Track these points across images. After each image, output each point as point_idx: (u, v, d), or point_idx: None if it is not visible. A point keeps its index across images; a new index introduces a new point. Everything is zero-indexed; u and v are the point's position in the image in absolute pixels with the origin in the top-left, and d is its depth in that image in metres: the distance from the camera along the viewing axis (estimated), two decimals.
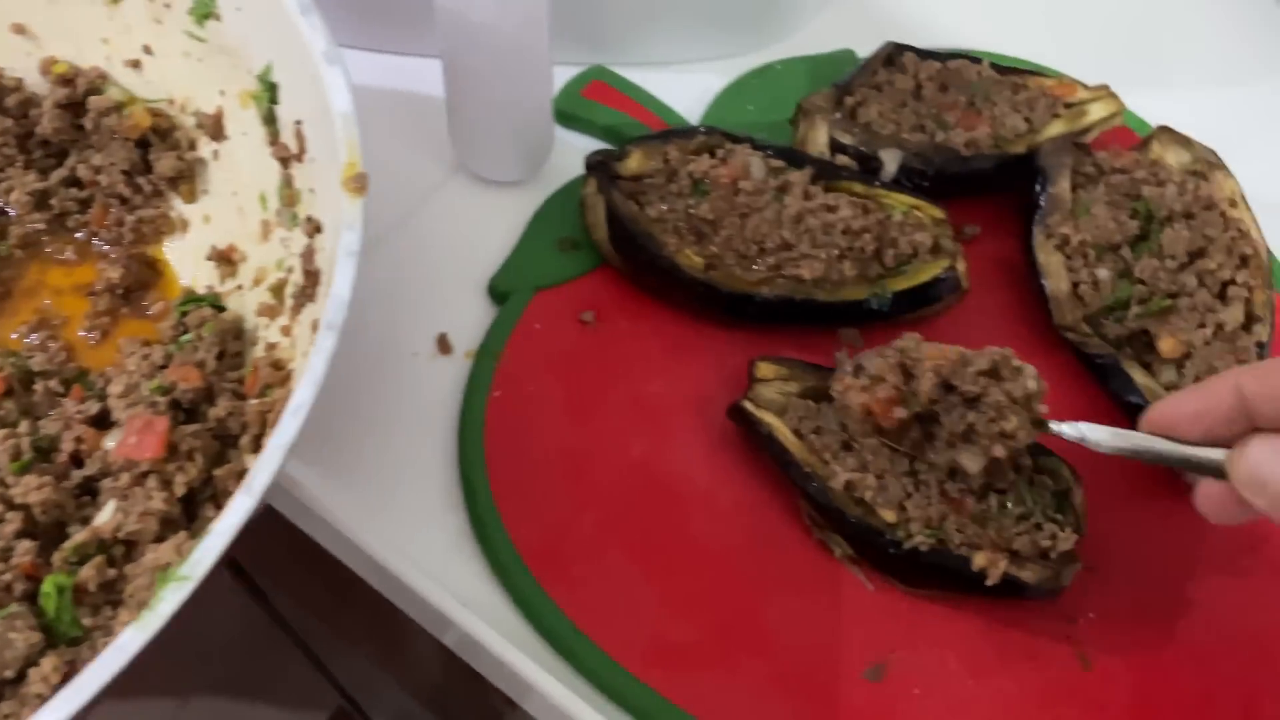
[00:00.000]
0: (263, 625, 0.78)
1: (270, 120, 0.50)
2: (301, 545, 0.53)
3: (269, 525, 0.52)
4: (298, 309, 0.47)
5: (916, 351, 0.46)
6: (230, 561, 0.71)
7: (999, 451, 0.45)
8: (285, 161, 0.49)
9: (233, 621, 0.78)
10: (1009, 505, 0.48)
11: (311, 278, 0.47)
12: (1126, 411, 0.53)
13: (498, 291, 0.57)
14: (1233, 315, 0.53)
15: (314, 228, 0.47)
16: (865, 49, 0.63)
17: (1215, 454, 0.41)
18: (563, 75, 0.64)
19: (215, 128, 0.53)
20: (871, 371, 0.47)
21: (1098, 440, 0.44)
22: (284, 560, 0.65)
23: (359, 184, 0.41)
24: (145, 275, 0.55)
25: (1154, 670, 0.48)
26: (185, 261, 0.55)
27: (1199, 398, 0.41)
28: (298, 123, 0.48)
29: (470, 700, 0.66)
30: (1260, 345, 0.53)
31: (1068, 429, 0.45)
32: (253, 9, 0.49)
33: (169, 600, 0.33)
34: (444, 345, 0.56)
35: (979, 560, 0.46)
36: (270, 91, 0.49)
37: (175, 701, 0.78)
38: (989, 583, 0.46)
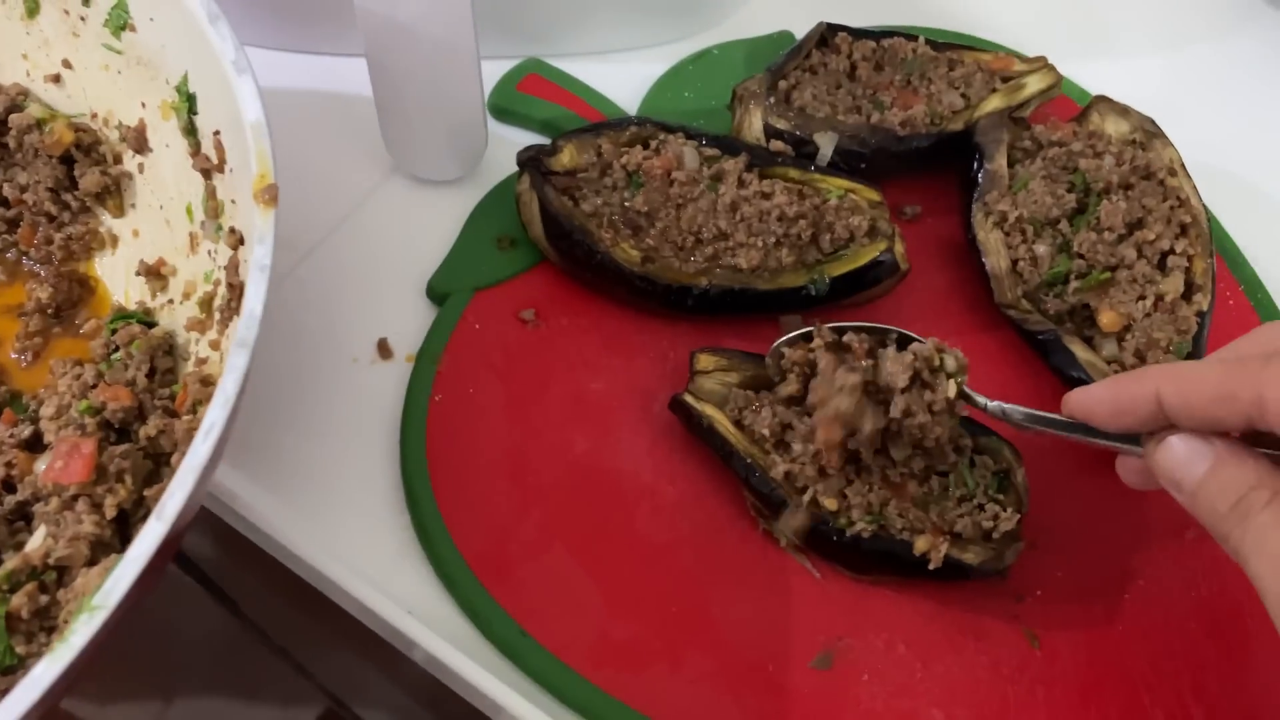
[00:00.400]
0: (238, 634, 0.78)
1: (191, 131, 0.49)
2: (262, 554, 0.52)
3: (230, 535, 0.52)
4: (225, 323, 0.47)
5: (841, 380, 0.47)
6: (198, 574, 0.70)
7: (927, 443, 0.46)
8: (207, 173, 0.48)
9: (209, 631, 0.78)
10: (950, 488, 0.48)
11: (236, 291, 0.46)
12: (1069, 386, 0.53)
13: (436, 293, 0.56)
14: (1173, 285, 0.52)
15: (237, 240, 0.46)
16: (804, 29, 0.63)
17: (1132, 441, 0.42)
18: (497, 69, 0.64)
19: (138, 140, 0.53)
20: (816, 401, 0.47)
21: (1017, 419, 0.45)
22: (250, 569, 0.65)
23: (270, 195, 0.40)
24: (77, 293, 0.55)
25: (1102, 645, 0.48)
26: (117, 277, 0.55)
27: (1117, 396, 0.40)
28: (216, 133, 0.47)
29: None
30: (1200, 315, 0.53)
31: (993, 406, 0.45)
32: (165, 19, 0.48)
33: (81, 632, 0.32)
34: (385, 350, 0.55)
35: (920, 544, 0.46)
36: (189, 102, 0.49)
37: (159, 704, 0.78)
38: (931, 566, 0.46)
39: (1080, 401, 0.42)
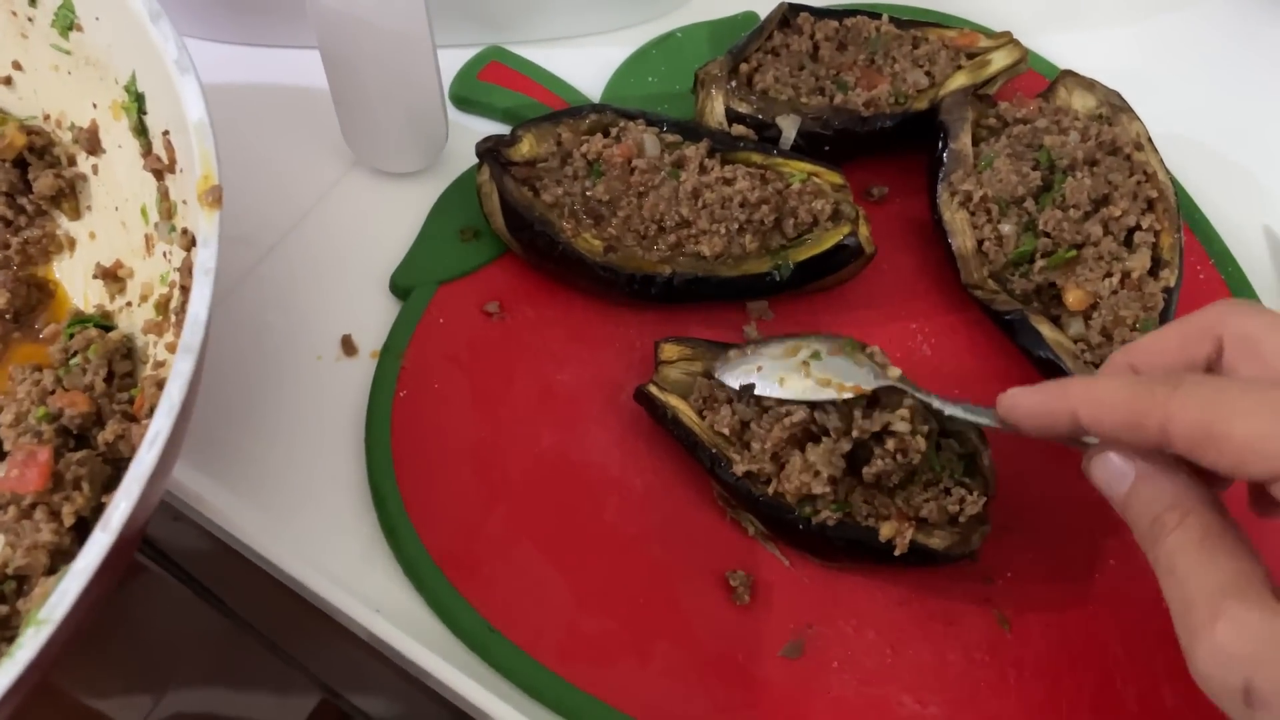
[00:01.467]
0: (228, 629, 0.78)
1: (141, 131, 0.48)
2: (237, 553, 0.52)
3: (211, 534, 0.52)
4: (181, 325, 0.46)
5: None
6: (182, 572, 0.70)
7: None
8: (159, 173, 0.48)
9: (198, 628, 0.78)
10: (917, 473, 0.48)
11: (189, 293, 0.45)
12: (1038, 367, 0.53)
13: (400, 287, 0.56)
14: (1139, 261, 0.52)
15: (189, 241, 0.46)
16: (768, 9, 0.62)
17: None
18: (458, 58, 0.63)
19: (91, 142, 0.52)
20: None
21: (950, 412, 0.45)
22: (236, 565, 0.65)
23: (214, 197, 0.40)
24: (36, 297, 0.54)
25: (1074, 626, 0.48)
26: (75, 281, 0.54)
27: (1040, 411, 0.40)
28: (165, 133, 0.47)
29: None
30: (1168, 290, 0.52)
31: (937, 403, 0.45)
32: (109, 18, 0.47)
33: (27, 646, 0.32)
34: (349, 346, 0.55)
35: (885, 531, 0.46)
36: (138, 102, 0.48)
37: (150, 699, 0.78)
38: (897, 553, 0.46)
39: (1009, 409, 0.41)
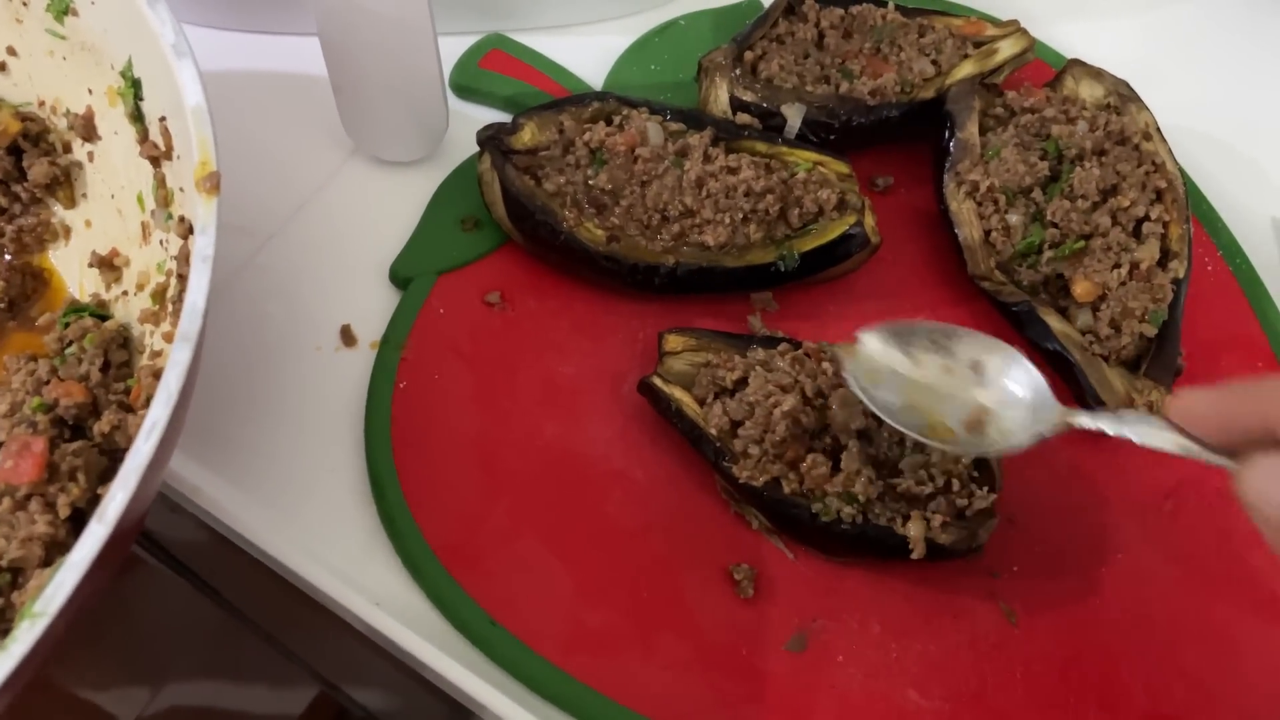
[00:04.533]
0: (226, 622, 0.78)
1: (138, 118, 0.48)
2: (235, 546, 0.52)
3: (209, 527, 0.51)
4: (178, 315, 0.45)
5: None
6: (180, 565, 0.70)
7: None
8: (156, 160, 0.47)
9: (196, 620, 0.77)
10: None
11: (187, 282, 0.45)
12: (1045, 359, 0.52)
13: (399, 277, 0.55)
14: (1148, 252, 0.51)
15: (186, 229, 0.45)
16: None
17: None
18: (459, 45, 0.62)
19: (87, 128, 0.51)
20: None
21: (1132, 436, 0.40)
22: (234, 558, 0.64)
23: (211, 184, 0.39)
24: (31, 286, 0.53)
25: (1080, 620, 0.48)
26: (71, 269, 0.53)
27: (1217, 414, 0.36)
28: (162, 119, 0.46)
29: None
30: (1176, 282, 0.52)
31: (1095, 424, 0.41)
32: (105, 2, 0.46)
33: (22, 640, 0.31)
34: (348, 336, 0.54)
35: (913, 531, 0.45)
36: (135, 87, 0.47)
37: (148, 692, 0.77)
38: (915, 556, 0.45)
39: (1185, 414, 0.37)
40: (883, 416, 0.44)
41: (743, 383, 0.48)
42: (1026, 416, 0.43)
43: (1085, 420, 0.41)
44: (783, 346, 0.49)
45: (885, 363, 0.45)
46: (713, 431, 0.48)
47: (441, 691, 0.48)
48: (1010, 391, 0.44)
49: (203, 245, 0.37)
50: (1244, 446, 0.35)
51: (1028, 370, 0.44)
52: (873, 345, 0.45)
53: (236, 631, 0.77)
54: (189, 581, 0.71)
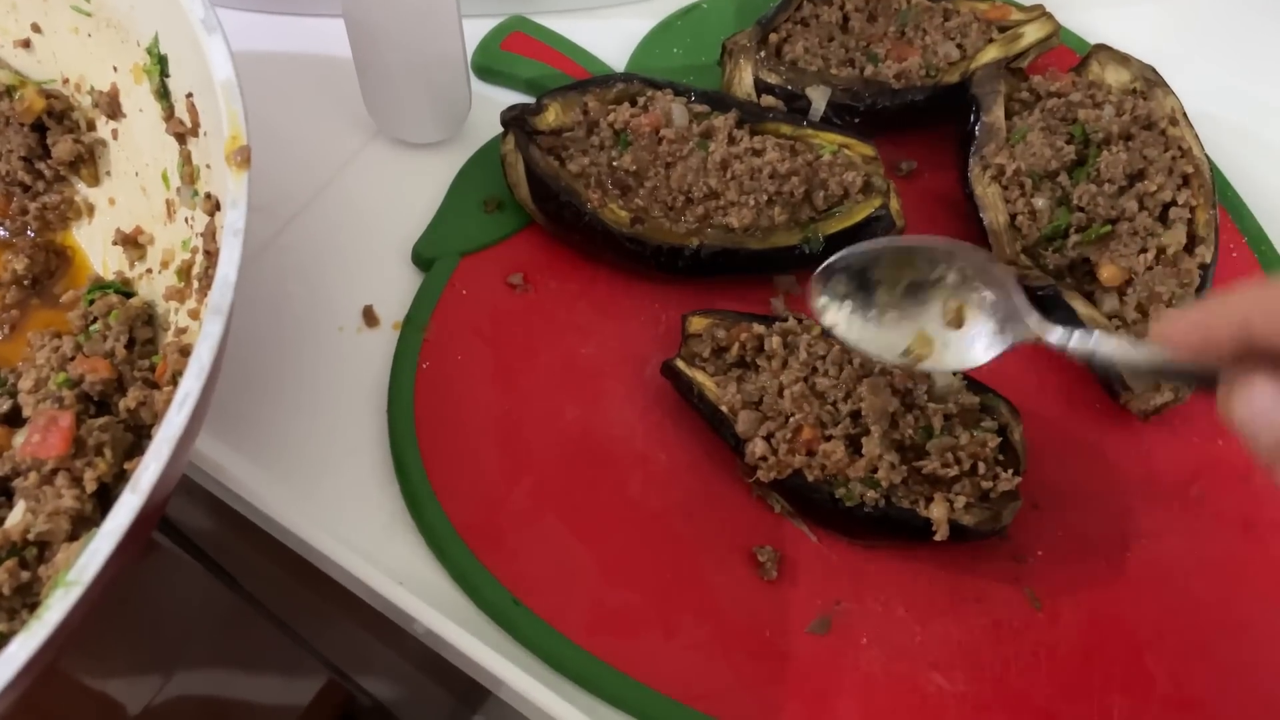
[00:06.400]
0: (238, 608, 0.78)
1: (164, 94, 0.48)
2: (258, 527, 0.52)
3: (226, 509, 0.51)
4: (204, 291, 0.46)
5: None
6: (194, 549, 0.70)
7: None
8: (181, 137, 0.47)
9: (208, 605, 0.77)
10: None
11: (213, 258, 0.45)
12: None
13: (422, 258, 0.55)
14: (1175, 237, 0.51)
15: (213, 205, 0.45)
16: None
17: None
18: (481, 28, 0.62)
19: (111, 106, 0.51)
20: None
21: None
22: (247, 543, 0.64)
23: (242, 157, 0.39)
24: (54, 263, 0.53)
25: (1104, 605, 0.48)
26: (94, 247, 0.54)
27: (1196, 329, 0.34)
28: (189, 96, 0.46)
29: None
30: (1204, 267, 0.51)
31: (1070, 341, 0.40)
32: None
33: (56, 608, 0.31)
34: (370, 317, 0.54)
35: (937, 513, 0.45)
36: (161, 64, 0.47)
37: (159, 677, 0.77)
38: (938, 538, 0.45)
39: (1165, 337, 0.35)
40: (879, 357, 0.44)
41: (759, 352, 0.48)
42: (996, 326, 0.43)
43: (1058, 336, 0.40)
44: (797, 324, 0.49)
45: (849, 313, 0.46)
46: (724, 409, 0.48)
47: (448, 680, 0.48)
48: (982, 295, 0.44)
49: (234, 219, 0.37)
50: (1229, 365, 0.34)
51: (990, 272, 0.44)
52: (830, 314, 0.46)
53: (247, 618, 0.77)
54: (203, 565, 0.71)
